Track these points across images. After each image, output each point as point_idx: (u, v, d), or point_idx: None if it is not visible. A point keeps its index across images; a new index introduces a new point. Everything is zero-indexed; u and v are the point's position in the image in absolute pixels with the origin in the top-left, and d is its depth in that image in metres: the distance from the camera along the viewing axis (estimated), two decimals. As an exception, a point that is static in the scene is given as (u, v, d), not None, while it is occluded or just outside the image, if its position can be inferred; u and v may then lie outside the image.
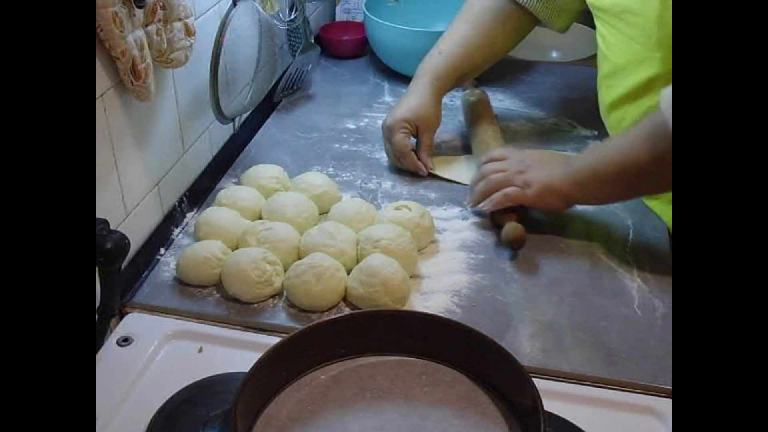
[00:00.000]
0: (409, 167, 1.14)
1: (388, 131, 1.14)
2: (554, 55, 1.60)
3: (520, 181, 0.98)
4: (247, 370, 0.64)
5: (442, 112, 1.17)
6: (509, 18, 1.18)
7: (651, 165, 0.87)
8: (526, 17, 1.18)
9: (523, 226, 0.96)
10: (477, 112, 1.20)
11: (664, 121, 0.82)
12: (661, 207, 1.04)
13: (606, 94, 1.06)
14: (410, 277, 0.91)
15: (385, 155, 1.18)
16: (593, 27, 1.28)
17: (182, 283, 0.91)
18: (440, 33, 1.37)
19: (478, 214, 1.04)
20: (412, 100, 1.15)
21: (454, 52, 1.17)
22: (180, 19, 0.87)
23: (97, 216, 0.73)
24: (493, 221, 1.01)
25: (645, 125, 0.88)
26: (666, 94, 0.82)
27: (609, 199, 1.00)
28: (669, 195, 1.01)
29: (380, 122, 1.27)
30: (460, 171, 1.14)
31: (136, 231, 0.92)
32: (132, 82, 0.81)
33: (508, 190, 0.98)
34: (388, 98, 1.36)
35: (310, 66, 1.34)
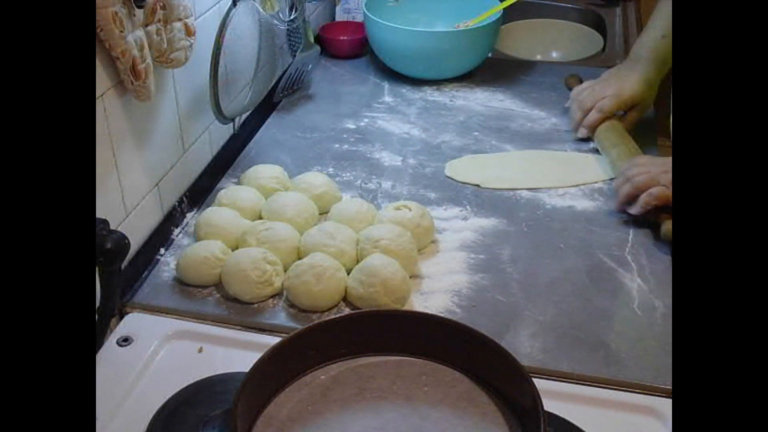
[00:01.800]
0: (577, 121, 1.18)
1: (604, 97, 1.16)
2: (554, 55, 1.60)
3: (665, 180, 0.98)
4: (247, 370, 0.64)
5: (443, 112, 1.17)
6: None
7: None
8: None
9: None
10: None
11: None
12: None
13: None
14: (410, 277, 0.91)
15: (385, 155, 1.18)
16: (593, 27, 1.28)
17: (182, 283, 0.91)
18: (440, 33, 1.38)
19: (484, 215, 1.04)
20: (638, 80, 1.16)
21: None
22: (180, 19, 0.87)
23: (97, 216, 0.73)
24: (647, 217, 1.01)
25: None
26: None
27: None
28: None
29: (380, 122, 1.28)
30: (466, 172, 1.14)
31: (136, 231, 0.92)
32: (132, 82, 0.81)
33: (654, 190, 0.98)
34: (388, 98, 1.36)
35: (310, 66, 1.34)
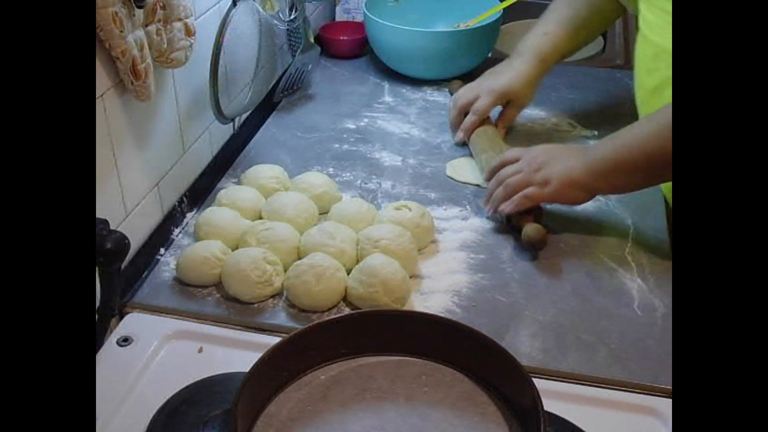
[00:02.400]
0: (454, 124, 1.17)
1: (478, 95, 1.16)
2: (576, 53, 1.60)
3: (538, 180, 0.97)
4: (247, 370, 0.64)
5: (443, 112, 1.17)
6: (602, 4, 1.19)
7: None
8: (614, 4, 1.19)
9: (542, 227, 0.96)
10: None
11: None
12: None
13: (646, 79, 1.03)
14: (410, 277, 0.91)
15: (385, 155, 1.18)
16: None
17: (182, 283, 0.91)
18: (440, 33, 1.38)
19: (484, 215, 1.04)
20: (513, 74, 1.16)
21: (559, 33, 1.18)
22: (180, 19, 0.87)
23: (97, 216, 0.73)
24: (509, 223, 1.00)
25: (671, 109, 0.86)
26: None
27: (632, 187, 0.98)
28: None
29: (380, 122, 1.28)
30: (466, 172, 1.14)
31: (136, 231, 0.92)
32: (132, 82, 0.81)
33: (528, 190, 0.97)
34: (388, 98, 1.36)
35: (310, 66, 1.34)
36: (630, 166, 0.92)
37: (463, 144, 1.19)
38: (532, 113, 1.30)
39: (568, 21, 1.18)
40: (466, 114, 1.18)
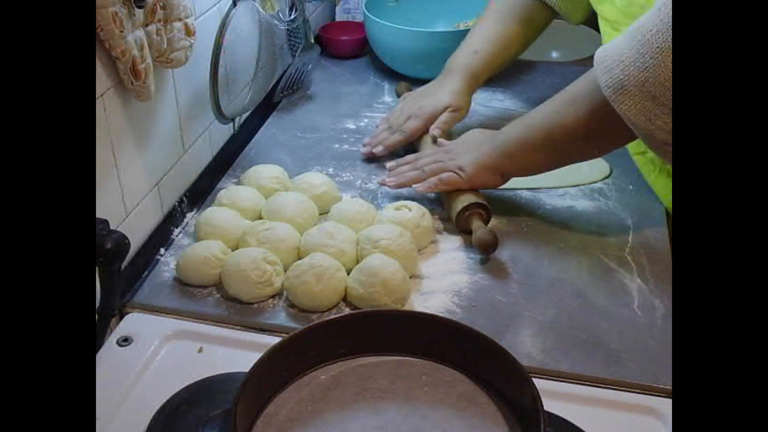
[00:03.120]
0: (382, 141, 1.15)
1: (410, 117, 1.15)
2: (554, 55, 1.60)
3: (453, 167, 1.00)
4: (247, 370, 0.64)
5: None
6: (533, 13, 1.19)
7: (578, 126, 0.88)
8: (546, 12, 1.20)
9: (492, 229, 0.96)
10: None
11: (592, 81, 0.84)
12: (661, 185, 1.05)
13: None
14: (410, 277, 0.91)
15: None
16: (593, 27, 1.28)
17: (182, 283, 0.91)
18: (440, 33, 1.38)
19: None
20: (447, 90, 1.16)
21: (489, 51, 1.18)
22: (180, 19, 0.87)
23: (97, 216, 0.73)
24: (458, 227, 1.00)
25: (571, 87, 0.90)
26: (598, 52, 0.84)
27: (540, 167, 0.99)
28: (668, 172, 1.01)
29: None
30: None
31: (136, 231, 0.92)
32: (132, 82, 0.81)
33: (444, 175, 1.00)
34: (388, 98, 1.36)
35: (310, 66, 1.34)
36: (534, 145, 0.94)
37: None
38: (532, 113, 1.30)
39: (498, 39, 1.18)
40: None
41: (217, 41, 0.98)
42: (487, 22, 1.21)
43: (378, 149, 1.16)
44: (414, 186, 1.03)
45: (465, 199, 0.99)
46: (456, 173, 1.00)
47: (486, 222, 0.98)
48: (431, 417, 0.66)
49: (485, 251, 0.95)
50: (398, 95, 1.31)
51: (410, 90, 1.27)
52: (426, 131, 1.15)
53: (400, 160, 1.09)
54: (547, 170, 0.99)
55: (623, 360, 0.81)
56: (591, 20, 1.59)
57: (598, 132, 0.89)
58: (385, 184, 1.07)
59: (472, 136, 1.05)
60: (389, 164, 1.10)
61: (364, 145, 1.18)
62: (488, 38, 1.19)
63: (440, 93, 1.17)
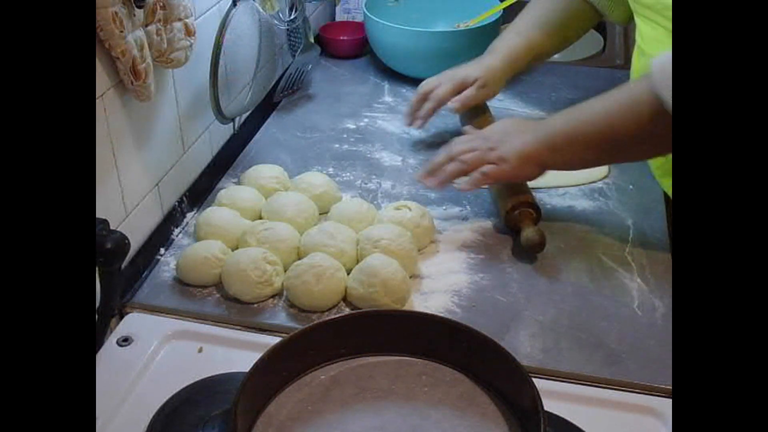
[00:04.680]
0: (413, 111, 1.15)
1: (440, 83, 1.14)
2: (554, 55, 1.60)
3: (494, 158, 0.95)
4: (247, 370, 0.64)
5: (442, 112, 1.17)
6: (578, 7, 1.17)
7: (631, 132, 0.85)
8: (592, 9, 1.17)
9: (541, 229, 0.95)
10: (475, 109, 1.19)
11: (651, 88, 0.80)
12: (661, 171, 1.04)
13: None
14: (410, 277, 0.91)
15: (385, 155, 1.18)
16: (593, 27, 1.28)
17: (182, 283, 0.91)
18: (440, 33, 1.38)
19: (484, 216, 1.04)
20: (479, 66, 1.15)
21: (532, 35, 1.16)
22: (180, 19, 0.87)
23: (97, 216, 0.73)
24: (508, 225, 0.99)
25: (629, 90, 0.86)
26: (656, 63, 0.80)
27: (584, 164, 0.97)
28: (668, 163, 1.00)
29: (380, 122, 1.28)
30: None
31: (136, 231, 0.92)
32: (132, 82, 0.81)
33: (485, 168, 0.95)
34: (388, 98, 1.36)
35: (310, 66, 1.34)
36: (583, 142, 0.91)
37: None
38: (531, 113, 1.31)
39: (542, 23, 1.17)
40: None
41: (217, 41, 0.98)
42: (533, 6, 1.19)
43: (416, 123, 1.17)
44: (456, 182, 0.98)
45: (515, 199, 0.98)
46: (498, 165, 0.95)
47: (536, 222, 0.98)
48: (431, 417, 0.66)
49: (533, 251, 0.95)
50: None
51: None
52: (475, 114, 1.15)
53: (428, 165, 1.03)
54: (591, 167, 0.99)
55: (623, 360, 0.81)
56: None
57: (663, 135, 0.83)
58: (426, 185, 1.02)
59: (508, 124, 1.01)
60: (417, 175, 1.05)
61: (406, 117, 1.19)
62: (533, 22, 1.17)
63: (475, 66, 1.16)
